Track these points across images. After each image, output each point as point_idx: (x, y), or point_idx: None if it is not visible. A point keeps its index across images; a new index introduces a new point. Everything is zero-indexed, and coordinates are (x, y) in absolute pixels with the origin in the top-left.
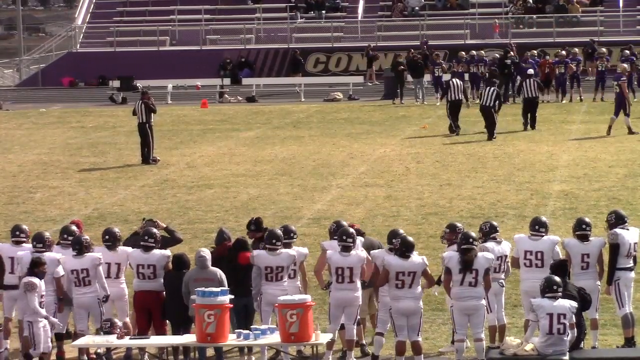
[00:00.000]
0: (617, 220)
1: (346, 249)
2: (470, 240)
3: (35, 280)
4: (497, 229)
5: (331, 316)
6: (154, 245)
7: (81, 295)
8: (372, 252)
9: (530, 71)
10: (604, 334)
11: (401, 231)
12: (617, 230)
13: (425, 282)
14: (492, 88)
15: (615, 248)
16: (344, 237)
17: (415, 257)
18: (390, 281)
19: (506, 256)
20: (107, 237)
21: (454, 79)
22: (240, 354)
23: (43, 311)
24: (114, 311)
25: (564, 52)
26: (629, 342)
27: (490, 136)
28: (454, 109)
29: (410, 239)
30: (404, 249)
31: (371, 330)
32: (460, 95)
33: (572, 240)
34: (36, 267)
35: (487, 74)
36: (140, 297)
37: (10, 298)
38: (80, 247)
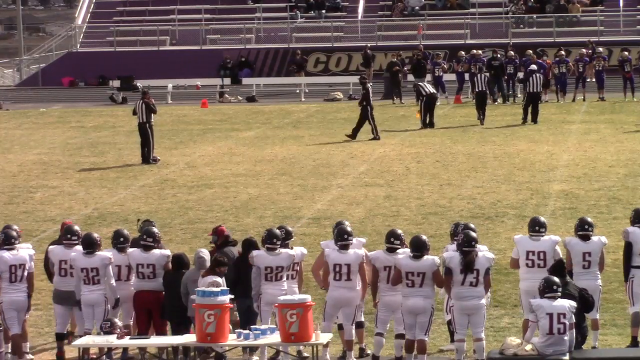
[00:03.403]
0: (634, 218)
1: (344, 246)
2: (472, 242)
3: (219, 280)
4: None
5: (326, 314)
6: (153, 244)
7: (89, 292)
8: (370, 253)
9: (533, 67)
10: (604, 333)
11: (399, 231)
12: (630, 228)
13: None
14: (483, 75)
15: (626, 246)
16: (344, 236)
17: (427, 258)
18: (402, 280)
19: None
20: (121, 239)
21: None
22: (243, 353)
23: None
24: (120, 312)
25: (562, 52)
26: (634, 341)
27: (482, 121)
28: (428, 104)
29: (424, 238)
30: (414, 249)
31: (371, 332)
32: (433, 90)
33: (573, 238)
34: (218, 267)
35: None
36: (140, 297)
37: None
38: (93, 246)
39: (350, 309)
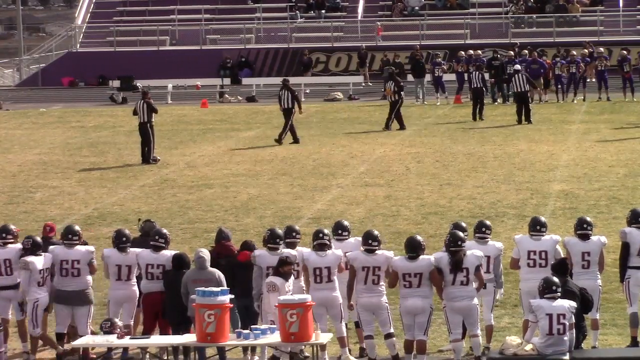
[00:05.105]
0: (631, 218)
1: (321, 247)
2: (459, 242)
3: (277, 280)
4: (484, 229)
5: (315, 316)
6: (164, 245)
7: (45, 294)
8: (349, 254)
9: (517, 67)
10: (604, 333)
11: (376, 232)
12: (627, 228)
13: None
14: (479, 72)
15: (623, 246)
16: (320, 235)
17: (423, 258)
18: (399, 282)
19: (489, 257)
20: (123, 239)
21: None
22: (244, 353)
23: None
24: (121, 312)
25: (574, 52)
26: (634, 341)
27: (478, 117)
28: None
29: (418, 238)
30: (409, 250)
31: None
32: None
33: (572, 238)
34: (282, 267)
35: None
36: (150, 298)
37: (5, 298)
38: (40, 247)
39: (335, 310)
